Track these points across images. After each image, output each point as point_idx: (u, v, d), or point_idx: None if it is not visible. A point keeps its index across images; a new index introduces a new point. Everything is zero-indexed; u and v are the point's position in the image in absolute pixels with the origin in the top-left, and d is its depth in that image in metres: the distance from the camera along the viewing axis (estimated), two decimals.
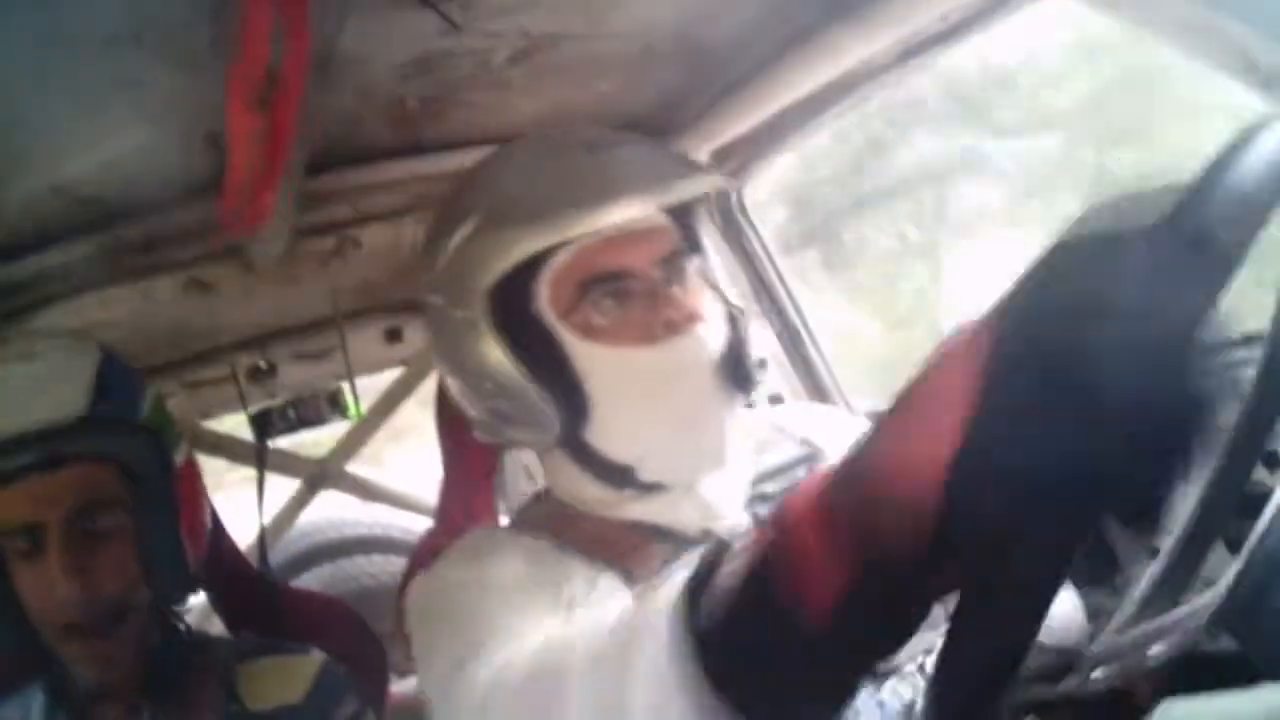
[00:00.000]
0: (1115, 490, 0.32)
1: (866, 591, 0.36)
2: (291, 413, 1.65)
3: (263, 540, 1.52)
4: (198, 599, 1.59)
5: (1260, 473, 0.65)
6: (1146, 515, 0.34)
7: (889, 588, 0.36)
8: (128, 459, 0.93)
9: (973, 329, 0.34)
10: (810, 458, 0.95)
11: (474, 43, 0.93)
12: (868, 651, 0.39)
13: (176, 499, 0.98)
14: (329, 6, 0.77)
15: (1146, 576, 0.65)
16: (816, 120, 1.29)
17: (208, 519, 1.05)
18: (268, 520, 1.65)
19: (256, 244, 1.18)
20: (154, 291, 1.22)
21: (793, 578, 0.38)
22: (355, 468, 2.08)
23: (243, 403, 1.63)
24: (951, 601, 0.37)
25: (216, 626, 1.46)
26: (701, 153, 1.32)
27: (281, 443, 1.75)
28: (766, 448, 0.95)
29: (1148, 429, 0.31)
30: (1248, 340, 0.78)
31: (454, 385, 0.90)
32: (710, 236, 0.93)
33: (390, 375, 1.95)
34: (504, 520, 1.36)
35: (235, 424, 1.79)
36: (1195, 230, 0.31)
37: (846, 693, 0.42)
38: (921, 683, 0.78)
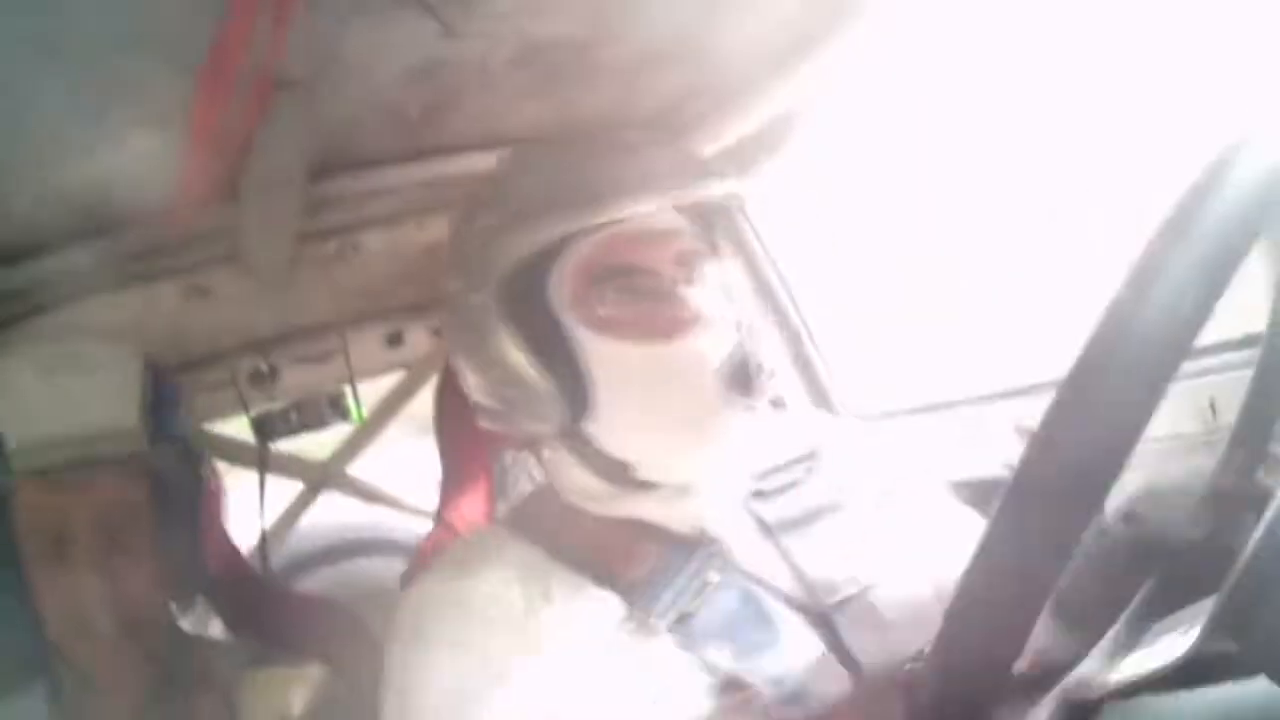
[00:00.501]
0: None
1: None
2: (293, 416, 1.64)
3: (264, 543, 1.53)
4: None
5: (1260, 474, 0.65)
6: None
7: None
8: (163, 472, 0.94)
9: None
10: (808, 458, 0.95)
11: (474, 47, 0.94)
12: None
13: (203, 514, 0.98)
14: (330, 12, 0.77)
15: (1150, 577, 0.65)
16: (817, 122, 1.29)
17: (229, 535, 1.06)
18: (269, 523, 1.65)
19: (258, 248, 1.19)
20: (155, 297, 1.22)
21: None
22: (357, 470, 2.08)
23: (244, 406, 1.63)
24: None
25: (216, 627, 1.46)
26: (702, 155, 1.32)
27: (283, 446, 1.75)
28: (764, 448, 0.96)
29: None
30: (1248, 341, 0.78)
31: (464, 370, 0.91)
32: (723, 241, 0.94)
33: (392, 379, 1.95)
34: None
35: (236, 427, 1.80)
36: None
37: None
38: None
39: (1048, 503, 0.39)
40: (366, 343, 1.71)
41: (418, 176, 1.20)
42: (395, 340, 1.77)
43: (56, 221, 1.05)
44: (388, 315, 1.74)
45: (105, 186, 1.00)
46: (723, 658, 0.79)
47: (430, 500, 1.94)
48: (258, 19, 0.75)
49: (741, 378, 0.82)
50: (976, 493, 0.97)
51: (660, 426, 0.83)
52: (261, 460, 1.58)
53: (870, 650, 0.82)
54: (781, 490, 0.92)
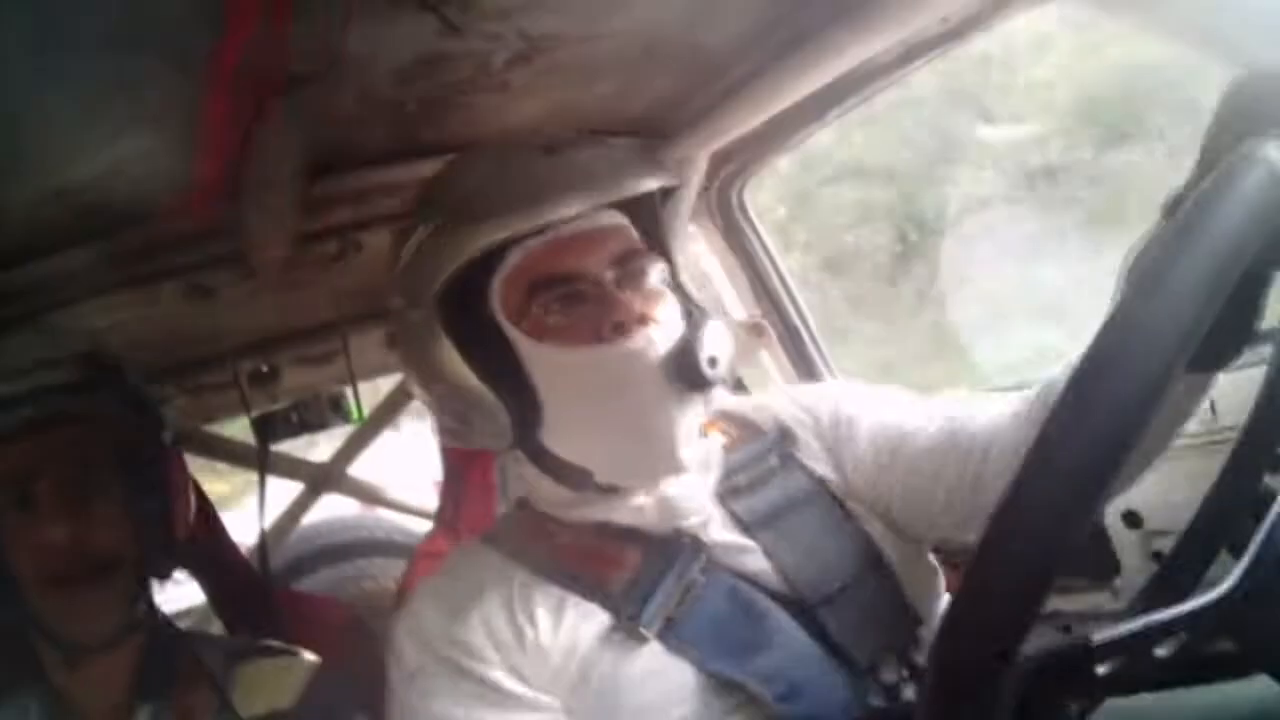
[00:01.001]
0: None
1: None
2: (294, 417, 1.65)
3: (264, 543, 1.53)
4: (198, 602, 1.60)
5: (1266, 476, 0.65)
6: None
7: None
8: (121, 424, 0.97)
9: None
10: (780, 441, 0.94)
11: (473, 45, 0.93)
12: None
13: (166, 473, 1.00)
14: (329, 11, 0.77)
15: (1151, 577, 0.65)
16: (817, 121, 1.29)
17: (192, 503, 1.07)
18: (270, 524, 1.65)
19: (258, 248, 1.18)
20: (156, 297, 1.22)
21: None
22: (357, 471, 2.09)
23: (245, 407, 1.63)
24: None
25: (217, 628, 1.46)
26: (701, 154, 1.32)
27: (284, 446, 1.75)
28: (738, 442, 0.95)
29: None
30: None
31: (416, 389, 0.91)
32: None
33: (392, 380, 1.95)
34: None
35: (237, 428, 1.80)
36: None
37: None
38: None
39: (1043, 514, 0.39)
40: (367, 343, 1.71)
41: (418, 175, 1.20)
42: (396, 341, 1.77)
43: (57, 221, 1.05)
44: (389, 316, 1.74)
45: (105, 186, 1.00)
46: (714, 659, 0.79)
47: (430, 500, 1.94)
48: (258, 19, 0.75)
49: (689, 371, 0.81)
50: None
51: (610, 429, 0.83)
52: (262, 461, 1.58)
53: (860, 644, 0.81)
54: (755, 485, 0.91)
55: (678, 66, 1.12)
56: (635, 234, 0.89)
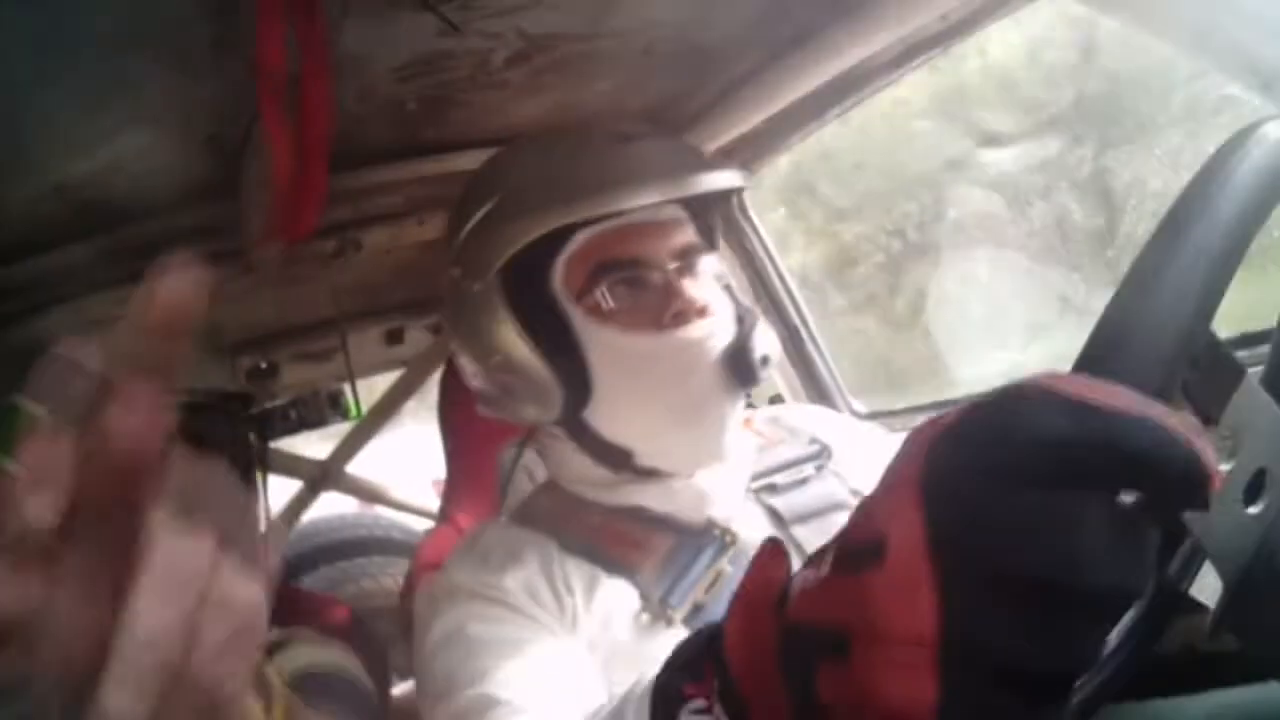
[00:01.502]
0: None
1: None
2: (293, 414, 1.65)
3: (265, 541, 1.52)
4: None
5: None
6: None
7: None
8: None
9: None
10: (819, 455, 0.95)
11: (473, 44, 0.93)
12: None
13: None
14: (328, 9, 0.77)
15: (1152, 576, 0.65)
16: (817, 120, 1.29)
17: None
18: (269, 521, 1.65)
19: (257, 246, 1.18)
20: None
21: None
22: (356, 468, 2.09)
23: None
24: None
25: None
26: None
27: (282, 444, 1.75)
28: (775, 443, 0.96)
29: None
30: (1245, 341, 0.78)
31: (464, 358, 0.92)
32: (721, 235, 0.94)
33: (391, 376, 1.95)
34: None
35: None
36: None
37: None
38: None
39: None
40: (366, 340, 1.71)
41: (418, 173, 1.20)
42: (395, 337, 1.78)
43: (56, 218, 1.05)
44: (387, 312, 1.75)
45: (105, 183, 1.00)
46: None
47: (429, 498, 1.94)
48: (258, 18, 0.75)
49: (743, 366, 0.83)
50: None
51: (660, 414, 0.84)
52: (261, 459, 1.58)
53: None
54: (793, 485, 0.92)
55: (677, 65, 1.12)
56: (693, 229, 0.90)
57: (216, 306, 1.27)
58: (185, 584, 0.28)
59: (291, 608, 1.39)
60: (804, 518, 0.89)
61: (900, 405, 1.56)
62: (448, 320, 0.93)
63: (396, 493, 2.14)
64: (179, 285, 0.29)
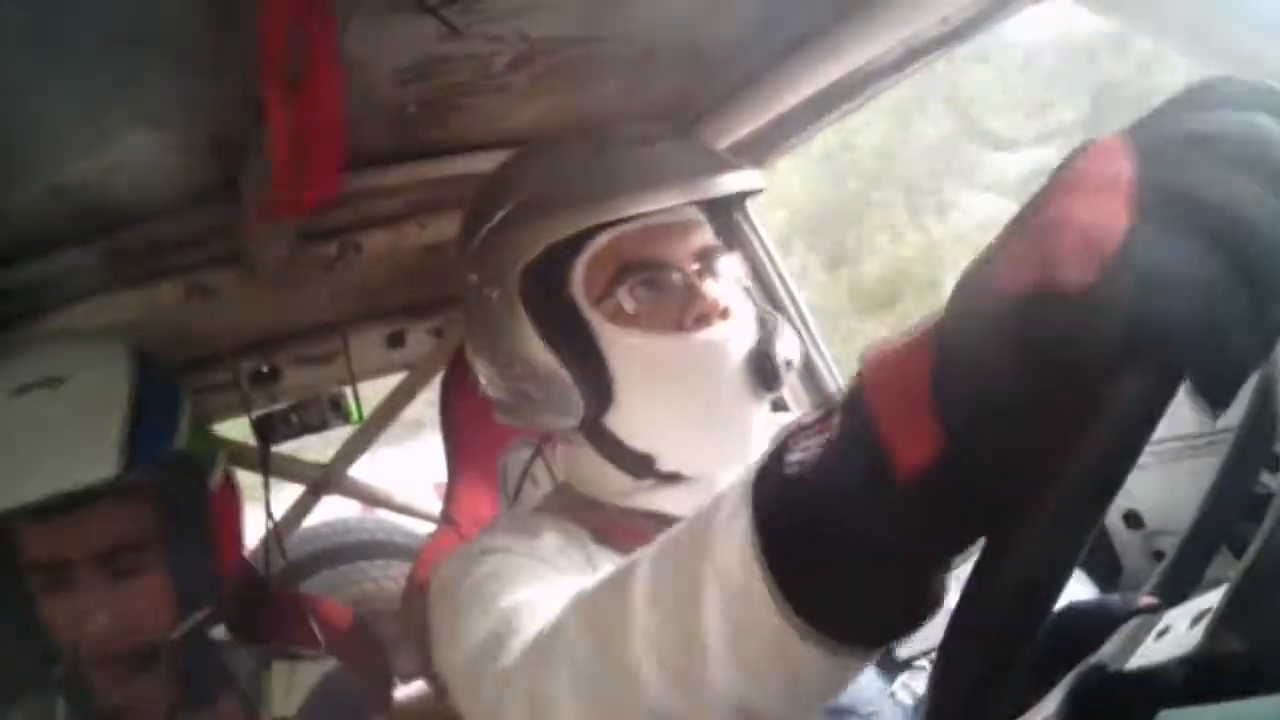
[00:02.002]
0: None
1: (962, 455, 0.33)
2: (294, 417, 1.64)
3: (267, 546, 1.52)
4: None
5: (1264, 475, 0.65)
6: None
7: (981, 459, 0.33)
8: (161, 491, 0.92)
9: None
10: None
11: (474, 47, 0.93)
12: (950, 533, 0.36)
13: (212, 522, 0.97)
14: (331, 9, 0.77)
15: (1152, 577, 0.65)
16: (818, 122, 1.29)
17: (243, 537, 1.04)
18: (271, 525, 1.65)
19: (258, 248, 1.19)
20: (156, 297, 1.22)
21: (885, 432, 0.35)
22: (358, 472, 2.08)
23: (246, 407, 1.63)
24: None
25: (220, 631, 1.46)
26: None
27: (284, 448, 1.75)
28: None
29: None
30: None
31: (481, 366, 0.91)
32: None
33: (393, 380, 1.95)
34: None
35: (237, 428, 1.80)
36: None
37: (921, 590, 0.38)
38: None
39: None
40: (368, 343, 1.71)
41: (419, 176, 1.20)
42: (396, 341, 1.77)
43: (56, 220, 1.05)
44: (389, 316, 1.74)
45: (105, 185, 1.00)
46: None
47: (431, 502, 1.94)
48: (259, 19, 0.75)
49: (767, 370, 0.83)
50: None
51: (683, 418, 0.83)
52: (263, 462, 1.58)
53: (911, 648, 0.81)
54: None
55: (678, 67, 1.12)
56: (713, 230, 0.89)
57: (217, 310, 1.27)
58: None
59: (294, 612, 1.39)
60: None
61: None
62: (465, 327, 0.91)
63: (398, 496, 2.14)
64: None
